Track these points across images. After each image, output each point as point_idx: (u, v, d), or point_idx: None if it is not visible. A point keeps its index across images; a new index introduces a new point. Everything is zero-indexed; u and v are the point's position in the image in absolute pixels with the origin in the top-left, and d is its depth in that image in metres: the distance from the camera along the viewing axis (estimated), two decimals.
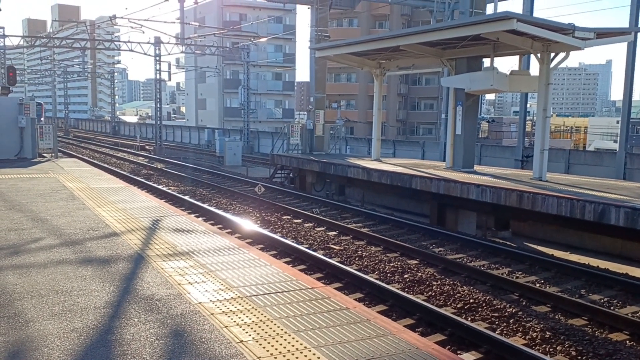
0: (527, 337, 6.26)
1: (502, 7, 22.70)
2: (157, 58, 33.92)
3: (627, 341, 6.27)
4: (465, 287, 7.96)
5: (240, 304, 4.43)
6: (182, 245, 6.31)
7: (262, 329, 3.91)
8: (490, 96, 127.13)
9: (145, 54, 34.12)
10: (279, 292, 4.76)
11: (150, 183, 18.56)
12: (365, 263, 9.26)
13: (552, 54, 12.87)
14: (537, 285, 8.30)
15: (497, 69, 14.02)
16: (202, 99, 67.41)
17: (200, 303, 4.41)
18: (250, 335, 3.81)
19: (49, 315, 4.06)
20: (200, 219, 11.34)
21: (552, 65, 12.99)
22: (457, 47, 14.79)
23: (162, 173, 22.99)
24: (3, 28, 32.86)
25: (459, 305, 7.22)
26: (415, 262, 9.44)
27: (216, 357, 3.46)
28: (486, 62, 15.14)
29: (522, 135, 22.03)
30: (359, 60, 18.56)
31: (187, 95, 77.24)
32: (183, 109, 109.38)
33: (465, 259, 9.76)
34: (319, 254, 9.36)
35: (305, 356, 3.51)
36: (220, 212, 13.05)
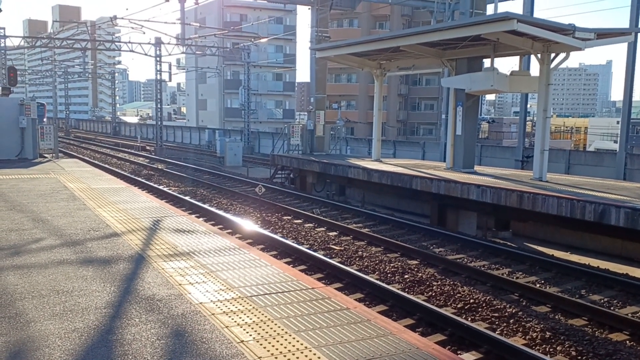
0: (527, 337, 6.26)
1: (502, 8, 22.71)
2: (158, 59, 33.95)
3: (627, 341, 6.28)
4: (465, 288, 7.96)
5: (240, 304, 4.44)
6: (182, 246, 6.32)
7: (263, 329, 3.92)
8: (490, 97, 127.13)
9: (145, 54, 34.15)
10: (279, 292, 4.77)
11: (151, 183, 18.58)
12: (366, 263, 9.27)
13: (553, 55, 12.88)
14: (538, 285, 8.31)
15: (498, 69, 14.03)
16: (202, 100, 67.44)
17: (201, 303, 4.42)
18: (250, 335, 3.82)
19: (50, 316, 4.07)
20: (200, 219, 11.36)
21: (552, 65, 13.00)
22: (457, 47, 14.80)
23: (163, 173, 23.00)
24: (4, 29, 32.88)
25: (459, 306, 7.23)
26: (416, 262, 9.44)
27: (217, 357, 3.47)
28: (486, 62, 15.15)
29: (522, 135, 22.04)
30: (359, 60, 18.57)
31: (187, 96, 77.31)
32: (184, 109, 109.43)
33: (465, 260, 9.76)
34: (319, 255, 9.37)
35: (306, 356, 3.52)
36: (220, 212, 13.06)
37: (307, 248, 9.99)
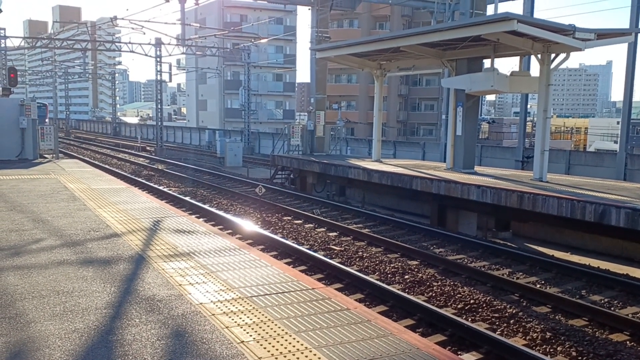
0: (528, 337, 6.26)
1: (502, 8, 22.70)
2: (158, 59, 33.95)
3: (628, 342, 6.28)
4: (465, 288, 7.96)
5: (241, 304, 4.44)
6: (183, 246, 6.32)
7: (263, 330, 3.92)
8: (490, 97, 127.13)
9: (146, 55, 34.15)
10: (279, 292, 4.77)
11: (151, 184, 18.58)
12: (366, 264, 9.27)
13: (553, 55, 12.88)
14: (538, 285, 8.30)
15: (498, 69, 14.03)
16: (202, 100, 67.47)
17: (201, 304, 4.42)
18: (251, 335, 3.82)
19: (50, 316, 4.07)
20: (201, 219, 11.35)
21: (552, 66, 13.00)
22: (457, 48, 14.80)
23: (163, 174, 23.01)
24: (4, 29, 32.86)
25: (459, 306, 7.23)
26: (416, 262, 9.44)
27: (217, 357, 3.47)
28: (487, 63, 15.16)
29: (522, 136, 22.04)
30: (359, 61, 18.57)
31: (187, 96, 77.34)
32: (184, 110, 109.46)
33: (465, 260, 9.76)
34: (319, 255, 9.37)
35: (306, 357, 3.52)
36: (221, 213, 13.06)
37: (307, 248, 9.99)
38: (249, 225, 11.74)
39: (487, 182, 12.39)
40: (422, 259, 9.59)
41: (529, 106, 26.19)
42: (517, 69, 15.10)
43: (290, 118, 62.47)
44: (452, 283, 8.21)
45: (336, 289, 6.99)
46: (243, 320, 4.08)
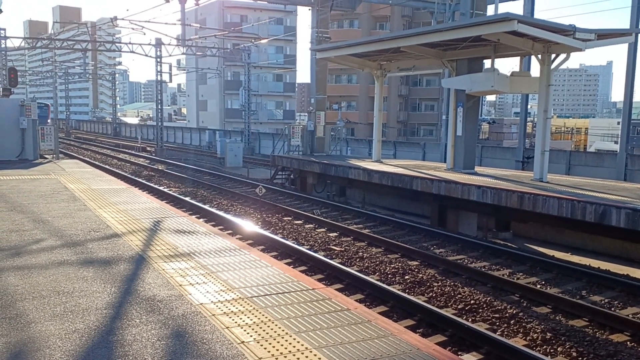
0: (528, 338, 6.26)
1: (502, 9, 22.68)
2: (158, 59, 33.96)
3: (628, 342, 6.27)
4: (466, 288, 7.96)
5: (241, 305, 4.44)
6: (183, 247, 6.32)
7: (263, 330, 3.92)
8: (491, 97, 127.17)
9: (146, 55, 34.16)
10: (280, 293, 4.77)
11: (152, 184, 18.58)
12: (366, 264, 9.27)
13: (553, 55, 12.88)
14: (538, 286, 8.30)
15: (498, 70, 14.03)
16: (203, 101, 67.49)
17: (201, 304, 4.42)
18: (251, 336, 3.82)
19: (51, 316, 4.07)
20: (201, 220, 11.36)
21: (552, 66, 13.00)
22: (457, 48, 14.80)
23: (163, 174, 23.01)
24: (4, 29, 32.89)
25: (459, 306, 7.22)
26: (416, 263, 9.44)
27: (217, 357, 3.47)
28: (487, 63, 15.16)
29: (522, 136, 22.04)
30: (359, 61, 18.58)
31: (188, 97, 77.38)
32: (184, 110, 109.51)
33: (466, 260, 9.76)
34: (320, 255, 9.37)
35: (307, 357, 3.52)
36: (221, 213, 13.06)
37: (307, 249, 9.99)
38: (249, 225, 11.74)
39: (488, 183, 12.39)
40: (423, 260, 9.59)
41: (529, 106, 26.19)
42: (517, 69, 15.11)
43: (291, 118, 62.48)
44: (452, 283, 8.21)
45: (336, 290, 7.00)
46: (243, 321, 4.08)
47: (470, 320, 6.75)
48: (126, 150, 36.97)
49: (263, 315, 4.22)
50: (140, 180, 19.71)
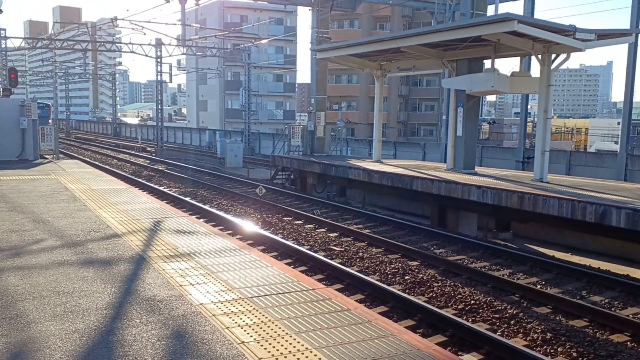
0: (528, 338, 6.26)
1: (502, 9, 22.68)
2: (159, 60, 33.97)
3: (628, 342, 6.27)
4: (466, 289, 7.96)
5: (241, 305, 4.44)
6: (183, 247, 6.32)
7: (264, 330, 3.92)
8: (491, 97, 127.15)
9: (146, 55, 34.17)
10: (280, 293, 4.77)
11: (152, 184, 18.59)
12: (366, 264, 9.27)
13: (553, 56, 12.88)
14: (538, 286, 8.30)
15: (498, 70, 14.03)
16: (203, 101, 67.50)
17: (201, 304, 4.42)
18: (251, 336, 3.82)
19: (51, 317, 4.08)
20: (201, 220, 11.36)
21: (553, 66, 12.99)
22: (458, 48, 14.80)
23: (163, 174, 23.01)
24: (5, 30, 32.92)
25: (459, 307, 7.22)
26: (416, 263, 9.44)
27: (217, 358, 3.47)
28: (487, 63, 15.16)
29: (523, 136, 22.04)
30: (359, 61, 18.58)
31: (188, 97, 77.41)
32: (184, 110, 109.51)
33: (466, 261, 9.76)
34: (320, 256, 9.37)
35: (307, 357, 3.52)
36: (221, 213, 13.06)
37: (307, 249, 9.99)
38: (249, 225, 11.74)
39: (488, 183, 12.39)
40: (423, 260, 9.59)
41: (529, 107, 26.18)
42: (517, 69, 15.10)
43: (291, 118, 62.48)
44: (452, 284, 8.21)
45: (336, 290, 7.00)
46: (243, 321, 4.08)
47: (470, 320, 6.75)
48: (126, 151, 36.97)
49: (263, 315, 4.22)
50: (140, 180, 19.71)
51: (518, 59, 15.37)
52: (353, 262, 9.44)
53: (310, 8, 22.13)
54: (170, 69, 36.65)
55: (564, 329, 6.55)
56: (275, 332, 3.90)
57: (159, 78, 34.52)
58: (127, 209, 8.72)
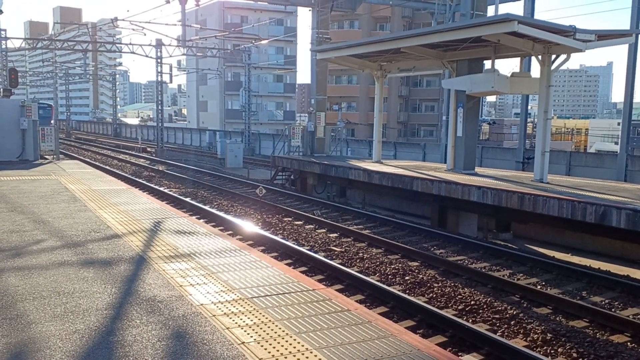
0: (528, 338, 6.26)
1: (503, 9, 22.69)
2: (159, 60, 33.98)
3: (629, 343, 6.27)
4: (466, 289, 7.96)
5: (241, 305, 4.44)
6: (183, 247, 6.32)
7: (264, 331, 3.92)
8: (491, 98, 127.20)
9: (146, 56, 34.18)
10: (280, 293, 4.77)
11: (152, 185, 18.59)
12: (367, 265, 9.27)
13: (553, 56, 12.88)
14: (538, 287, 8.30)
15: (498, 71, 14.03)
16: (203, 101, 67.52)
17: (201, 305, 4.42)
18: (251, 336, 3.82)
19: (51, 317, 4.08)
20: (201, 220, 11.36)
21: (553, 67, 13.00)
22: (458, 49, 14.80)
23: (164, 175, 23.02)
24: (5, 30, 32.91)
25: (460, 307, 7.22)
26: (417, 264, 9.44)
27: (218, 358, 3.47)
28: (487, 64, 15.16)
29: (523, 137, 22.04)
30: (360, 62, 18.58)
31: (188, 97, 77.43)
32: (184, 111, 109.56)
33: (466, 261, 9.76)
34: (320, 256, 9.37)
35: (307, 358, 3.52)
36: (221, 214, 13.06)
37: (307, 249, 9.99)
38: (249, 226, 11.74)
39: (488, 183, 12.39)
40: (423, 260, 9.59)
41: (529, 107, 26.18)
42: (517, 70, 15.10)
43: (291, 119, 62.51)
44: (452, 284, 8.21)
45: (337, 290, 7.01)
46: (244, 321, 4.09)
47: (470, 321, 6.75)
48: (126, 151, 36.98)
49: (263, 315, 4.22)
50: (140, 181, 19.72)
51: (518, 59, 15.37)
52: (353, 262, 9.44)
53: (311, 9, 22.14)
54: (171, 70, 36.64)
55: (564, 329, 6.55)
56: (276, 332, 3.90)
57: (159, 79, 34.54)
58: (128, 210, 8.73)
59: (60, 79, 68.38)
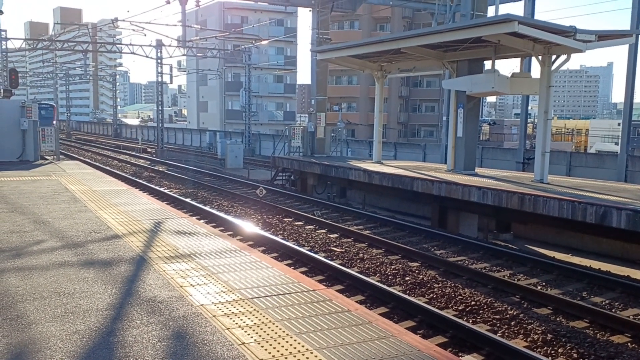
0: (529, 339, 6.26)
1: (503, 10, 22.68)
2: (159, 61, 34.00)
3: (629, 343, 6.27)
4: (466, 290, 7.96)
5: (242, 306, 4.44)
6: (183, 248, 6.32)
7: (264, 331, 3.93)
8: (491, 98, 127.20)
9: (147, 56, 34.21)
10: (280, 294, 4.77)
11: (152, 185, 18.60)
12: (367, 265, 9.27)
13: (554, 57, 12.88)
14: (539, 287, 8.30)
15: (499, 71, 14.01)
16: (203, 102, 67.54)
17: (202, 305, 4.42)
18: (252, 337, 3.82)
19: (52, 318, 4.08)
20: (201, 221, 11.36)
21: (553, 67, 12.99)
22: (458, 49, 14.80)
23: (164, 175, 23.02)
24: (5, 31, 32.93)
25: (460, 308, 7.22)
26: (417, 264, 9.44)
27: (218, 359, 3.47)
28: (487, 64, 15.15)
29: (523, 137, 22.04)
30: (360, 62, 18.58)
31: (188, 98, 77.47)
32: (185, 111, 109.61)
33: (466, 262, 9.76)
34: (320, 257, 9.37)
35: (307, 358, 3.52)
36: (221, 214, 13.07)
37: (308, 250, 9.99)
38: (249, 226, 11.74)
39: (488, 184, 12.39)
40: (423, 261, 9.59)
41: (529, 108, 26.20)
42: (518, 70, 15.09)
43: (291, 119, 62.51)
44: (453, 285, 8.20)
45: (337, 291, 7.01)
46: (244, 322, 4.09)
47: (470, 321, 6.75)
48: (127, 152, 36.99)
49: (264, 316, 4.22)
50: (140, 181, 19.72)
51: (518, 60, 15.36)
52: (353, 263, 9.44)
53: (311, 9, 22.15)
54: (171, 70, 36.67)
55: (565, 330, 6.55)
56: (276, 333, 3.90)
57: (159, 79, 34.56)
58: (128, 210, 8.73)
59: (61, 80, 68.44)
